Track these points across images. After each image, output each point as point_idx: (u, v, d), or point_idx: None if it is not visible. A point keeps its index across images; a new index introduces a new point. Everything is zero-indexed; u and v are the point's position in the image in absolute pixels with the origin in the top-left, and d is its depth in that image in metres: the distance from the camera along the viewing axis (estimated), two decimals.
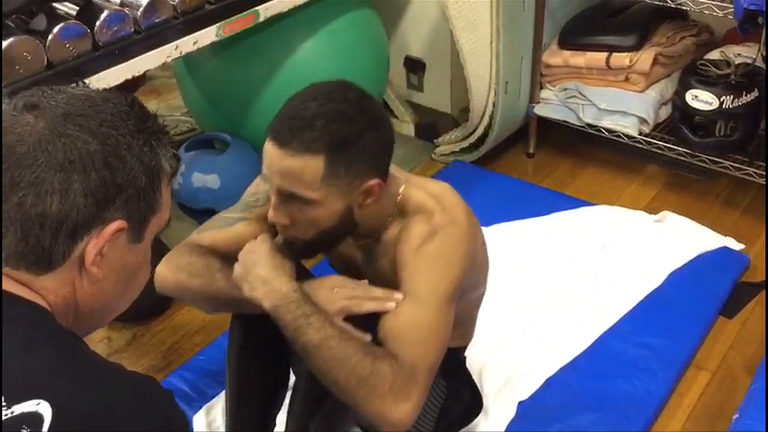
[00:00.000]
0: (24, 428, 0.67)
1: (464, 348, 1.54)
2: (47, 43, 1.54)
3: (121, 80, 1.65)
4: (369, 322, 1.21)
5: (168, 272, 1.31)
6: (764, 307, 1.99)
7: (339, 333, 1.16)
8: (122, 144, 0.78)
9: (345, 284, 1.25)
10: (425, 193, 1.29)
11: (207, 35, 1.84)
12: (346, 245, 1.34)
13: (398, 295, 1.21)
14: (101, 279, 0.80)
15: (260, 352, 1.41)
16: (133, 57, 1.67)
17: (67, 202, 0.75)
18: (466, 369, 1.56)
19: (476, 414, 1.57)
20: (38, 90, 0.80)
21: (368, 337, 1.20)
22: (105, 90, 0.86)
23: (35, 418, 0.68)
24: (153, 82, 3.20)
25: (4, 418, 0.67)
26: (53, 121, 0.76)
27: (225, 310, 1.40)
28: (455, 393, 1.46)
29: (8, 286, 0.76)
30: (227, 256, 1.29)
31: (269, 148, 1.17)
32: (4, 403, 0.68)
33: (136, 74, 1.70)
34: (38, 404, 0.68)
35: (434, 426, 1.43)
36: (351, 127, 1.17)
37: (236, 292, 1.23)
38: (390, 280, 1.26)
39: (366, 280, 1.29)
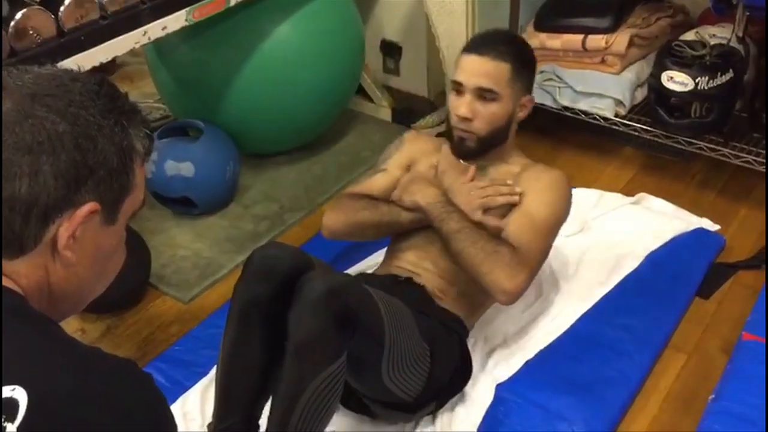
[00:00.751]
0: None
1: (460, 322, 1.65)
2: (9, 30, 1.50)
3: (88, 67, 1.61)
4: None
5: (337, 215, 1.72)
6: (740, 287, 2.00)
7: (472, 225, 1.57)
8: (92, 124, 0.77)
9: (478, 185, 1.66)
10: (541, 166, 1.76)
11: (176, 20, 1.81)
12: (458, 169, 1.71)
13: (519, 189, 1.64)
14: (75, 263, 0.79)
15: (253, 347, 1.43)
16: (99, 43, 1.64)
17: (37, 185, 0.74)
18: (459, 340, 1.62)
19: (465, 382, 1.64)
20: (4, 70, 0.78)
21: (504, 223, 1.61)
22: (73, 70, 0.83)
23: (10, 404, 0.67)
24: (125, 69, 3.15)
25: None
26: (20, 101, 0.75)
27: (385, 233, 1.75)
28: (444, 360, 1.55)
29: None
30: (378, 197, 1.71)
31: (470, 58, 1.62)
32: None
33: (104, 61, 1.66)
34: (13, 390, 0.67)
35: (421, 390, 1.50)
36: (527, 50, 1.71)
37: (398, 213, 1.65)
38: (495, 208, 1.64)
39: (495, 179, 1.69)
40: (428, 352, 1.50)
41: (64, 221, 0.76)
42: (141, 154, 0.83)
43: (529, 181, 1.66)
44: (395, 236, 1.76)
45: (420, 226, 1.67)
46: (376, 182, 1.77)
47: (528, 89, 1.68)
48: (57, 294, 0.80)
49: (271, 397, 1.40)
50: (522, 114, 1.69)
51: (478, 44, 1.64)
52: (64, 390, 0.70)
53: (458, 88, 1.63)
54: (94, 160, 0.77)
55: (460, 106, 1.62)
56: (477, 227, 1.57)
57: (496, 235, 1.57)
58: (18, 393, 0.67)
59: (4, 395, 0.67)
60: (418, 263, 1.68)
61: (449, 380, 1.59)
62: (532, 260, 1.56)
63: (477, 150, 1.67)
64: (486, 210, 1.62)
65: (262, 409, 1.47)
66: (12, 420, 0.66)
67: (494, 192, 1.64)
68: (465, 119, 1.62)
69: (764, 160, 2.18)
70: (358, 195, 1.74)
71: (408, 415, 1.59)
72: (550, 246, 1.64)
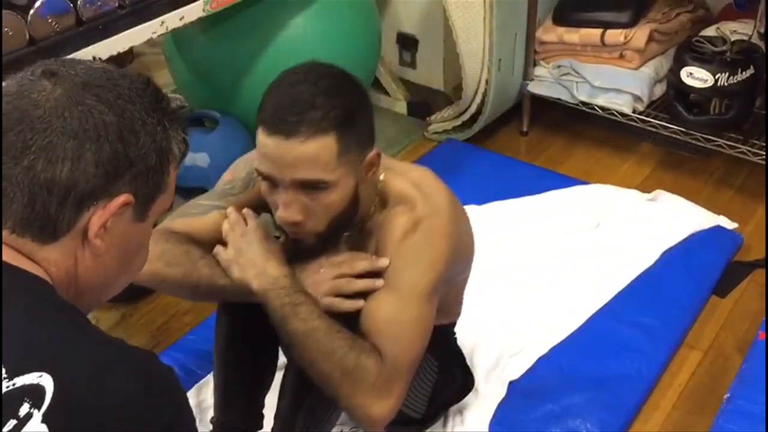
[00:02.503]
0: (26, 401, 0.67)
1: (453, 324, 1.52)
2: (29, 19, 1.51)
3: (105, 57, 1.62)
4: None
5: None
6: (757, 286, 1.98)
7: (326, 325, 1.15)
8: (137, 119, 0.79)
9: (331, 262, 1.23)
10: (406, 181, 1.26)
11: (194, 10, 1.80)
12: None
13: (382, 261, 1.21)
14: (103, 253, 0.80)
15: (247, 338, 1.40)
16: (117, 33, 1.63)
17: (77, 170, 0.75)
18: (458, 347, 1.55)
19: (467, 391, 1.57)
20: (57, 60, 0.81)
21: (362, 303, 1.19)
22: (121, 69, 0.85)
23: (37, 391, 0.67)
24: (142, 59, 3.16)
25: (5, 390, 0.67)
26: (71, 89, 0.77)
27: (203, 299, 1.38)
28: (447, 372, 1.46)
29: (11, 257, 0.75)
30: (201, 244, 1.26)
31: (273, 143, 1.11)
32: (5, 375, 0.67)
33: (121, 50, 1.66)
34: (40, 377, 0.68)
35: (427, 406, 1.44)
36: (350, 99, 1.16)
37: (220, 281, 1.22)
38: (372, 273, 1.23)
39: (348, 253, 1.26)
40: (435, 366, 1.44)
41: (98, 210, 0.77)
42: (177, 157, 0.84)
43: (389, 245, 1.22)
44: None
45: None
46: (205, 224, 1.30)
47: (369, 142, 1.19)
48: (83, 285, 0.81)
49: (277, 391, 1.39)
50: (373, 172, 1.21)
51: (277, 120, 1.12)
52: (90, 379, 0.70)
53: (271, 181, 1.16)
54: (135, 154, 0.78)
55: (282, 208, 1.15)
56: (331, 325, 1.16)
57: (355, 331, 1.18)
58: (45, 380, 0.68)
59: (30, 382, 0.67)
60: None
61: (455, 390, 1.55)
62: (404, 367, 1.18)
63: (319, 245, 1.23)
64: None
65: (264, 397, 1.45)
66: (38, 407, 0.67)
67: (349, 269, 1.21)
68: (293, 223, 1.17)
69: None
70: (173, 236, 1.26)
71: (417, 426, 1.55)
72: (427, 334, 1.22)
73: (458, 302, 1.48)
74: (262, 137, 1.14)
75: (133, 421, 0.70)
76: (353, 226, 1.26)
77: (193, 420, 0.78)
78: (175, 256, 1.24)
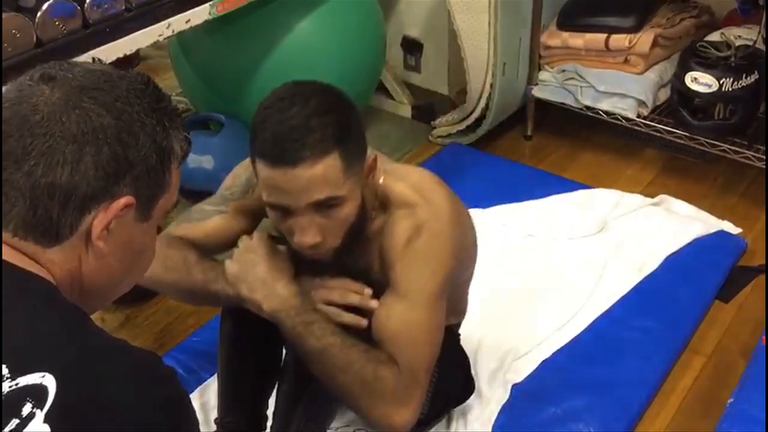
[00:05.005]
0: (28, 400, 0.67)
1: (457, 326, 1.53)
2: (36, 21, 1.52)
3: (112, 59, 1.62)
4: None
5: None
6: (761, 291, 1.98)
7: (340, 341, 1.18)
8: (136, 121, 0.79)
9: (324, 284, 1.25)
10: (406, 185, 1.26)
11: (200, 14, 1.81)
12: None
13: (368, 290, 1.23)
14: (107, 254, 0.80)
15: (251, 341, 1.41)
16: (124, 35, 1.64)
17: (78, 174, 0.75)
18: (461, 348, 1.55)
19: (470, 393, 1.57)
20: (55, 63, 0.81)
21: (364, 323, 1.21)
22: (122, 70, 0.86)
23: (39, 391, 0.67)
24: (147, 62, 3.17)
25: (8, 389, 0.67)
26: (69, 92, 0.77)
27: (202, 304, 1.41)
28: (447, 374, 1.46)
29: (15, 258, 0.76)
30: (204, 249, 1.29)
31: (280, 174, 1.11)
32: (8, 375, 0.67)
33: (128, 53, 1.67)
34: (43, 377, 0.68)
35: (429, 406, 1.43)
36: (341, 112, 1.16)
37: (212, 286, 1.24)
38: (372, 279, 1.25)
39: (342, 280, 1.27)
40: (436, 366, 1.39)
41: (100, 212, 0.78)
42: (179, 156, 0.85)
43: (392, 252, 1.23)
44: None
45: None
46: (206, 228, 1.33)
47: (365, 147, 1.20)
48: (87, 286, 0.82)
49: (276, 389, 1.40)
50: (371, 178, 1.23)
51: (278, 151, 1.11)
52: (92, 380, 0.70)
53: (283, 210, 1.17)
54: (135, 156, 0.78)
55: (299, 233, 1.16)
56: (345, 340, 1.18)
57: (369, 343, 1.20)
58: (48, 380, 0.68)
59: (33, 382, 0.68)
60: None
61: (456, 393, 1.55)
62: (421, 373, 1.21)
63: (337, 259, 1.24)
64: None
65: (267, 399, 1.45)
66: (41, 407, 0.67)
67: (340, 299, 1.24)
68: (314, 246, 1.18)
69: None
70: (174, 241, 1.30)
71: (420, 427, 1.56)
72: (440, 336, 1.25)
73: (463, 300, 1.48)
74: (265, 171, 1.13)
75: (135, 422, 0.70)
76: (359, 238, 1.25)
77: (197, 421, 0.78)
78: (174, 261, 1.26)
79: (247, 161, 1.30)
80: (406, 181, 1.27)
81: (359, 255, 1.27)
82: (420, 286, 1.20)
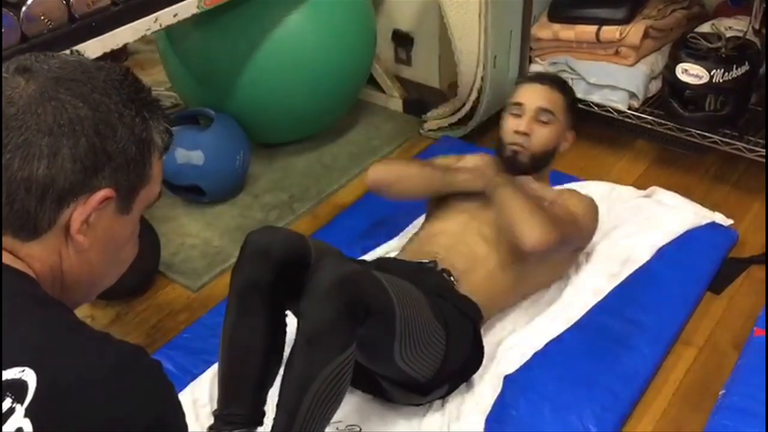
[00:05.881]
0: (8, 395, 0.66)
1: (476, 307, 1.66)
2: (20, 15, 1.50)
3: (98, 54, 1.61)
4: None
5: (388, 166, 1.92)
6: (752, 282, 1.98)
7: (524, 197, 1.71)
8: (113, 112, 0.77)
9: (529, 183, 1.84)
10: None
11: (188, 7, 1.80)
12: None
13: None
14: (87, 248, 0.79)
15: (254, 333, 1.44)
16: (110, 30, 1.63)
17: (55, 167, 0.74)
18: (475, 326, 1.64)
19: (477, 367, 1.65)
20: (31, 55, 0.80)
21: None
22: (100, 61, 0.84)
23: (19, 385, 0.67)
24: (136, 57, 3.15)
25: None
26: (45, 84, 0.75)
27: (429, 192, 1.89)
28: (455, 345, 1.54)
29: None
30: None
31: (532, 86, 1.85)
32: None
33: (114, 48, 1.66)
34: (23, 371, 0.67)
35: (434, 373, 1.51)
36: (574, 94, 1.95)
37: (451, 177, 1.83)
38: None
39: (540, 184, 1.87)
40: (444, 334, 1.51)
41: (79, 205, 0.77)
42: (159, 147, 0.84)
43: (567, 198, 1.86)
44: (428, 220, 1.89)
45: (461, 208, 1.83)
46: (436, 159, 1.97)
47: (573, 126, 1.88)
48: (69, 281, 0.81)
49: (279, 383, 1.40)
50: (564, 147, 1.88)
51: (538, 77, 1.92)
52: (73, 374, 0.70)
53: (517, 110, 1.82)
54: (113, 148, 0.77)
55: (519, 124, 1.81)
56: (527, 197, 1.72)
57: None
58: (27, 375, 0.67)
59: (12, 377, 0.67)
60: (451, 247, 1.74)
61: (462, 364, 1.60)
62: (559, 235, 1.69)
63: (528, 166, 1.82)
64: None
65: (266, 393, 1.47)
66: (21, 401, 0.66)
67: (541, 192, 1.84)
68: (524, 134, 1.79)
69: None
70: (414, 161, 2.00)
71: (420, 396, 1.59)
72: (568, 238, 1.77)
73: (564, 264, 1.95)
74: (525, 84, 1.88)
75: (118, 415, 0.70)
76: (539, 183, 1.86)
77: (183, 413, 0.77)
78: (417, 164, 1.91)
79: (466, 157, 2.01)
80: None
81: (537, 188, 1.83)
82: (573, 208, 1.82)
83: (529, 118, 1.80)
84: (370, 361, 1.48)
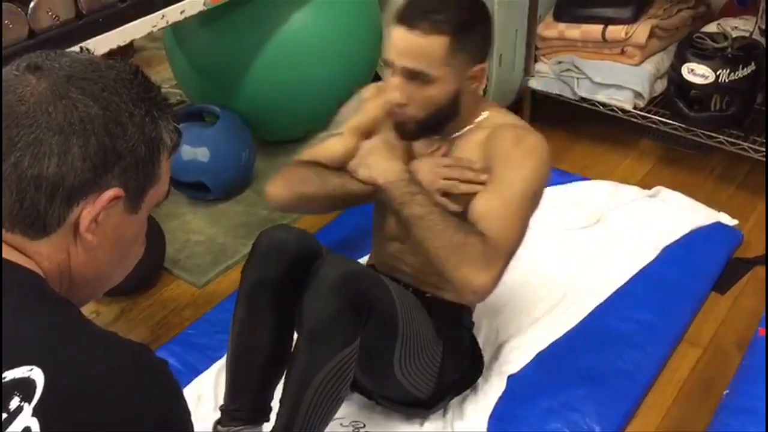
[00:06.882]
0: (16, 394, 0.66)
1: (468, 311, 1.59)
2: (29, 11, 1.50)
3: (105, 50, 1.62)
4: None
5: (282, 188, 1.55)
6: (757, 282, 1.98)
7: (439, 210, 1.36)
8: (123, 111, 0.78)
9: (442, 162, 1.44)
10: (514, 119, 1.48)
11: (194, 4, 1.80)
12: (420, 148, 1.50)
13: (483, 176, 1.39)
14: (96, 247, 0.79)
15: (263, 329, 1.44)
16: (118, 26, 1.64)
17: (65, 165, 0.74)
18: (470, 332, 1.60)
19: (477, 375, 1.62)
20: (42, 53, 0.80)
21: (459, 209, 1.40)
22: (110, 60, 0.84)
23: (27, 385, 0.67)
24: (142, 53, 3.16)
25: None
26: (55, 83, 0.76)
27: (337, 207, 1.64)
28: (452, 354, 1.51)
29: (3, 250, 0.75)
30: (329, 166, 1.51)
31: (398, 32, 1.34)
32: None
33: (122, 44, 1.66)
34: (31, 370, 0.67)
35: (433, 388, 1.49)
36: (473, 13, 1.38)
37: (350, 186, 1.46)
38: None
39: (457, 157, 1.45)
40: (440, 346, 1.49)
41: (88, 204, 0.77)
42: (168, 147, 0.84)
43: (498, 151, 1.40)
44: (378, 226, 1.60)
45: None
46: (327, 149, 1.55)
47: (478, 58, 1.38)
48: (77, 279, 0.81)
49: (283, 379, 1.41)
50: (476, 85, 1.42)
51: (407, 14, 1.34)
52: (81, 373, 0.70)
53: (388, 66, 1.40)
54: (123, 147, 0.77)
55: (390, 89, 1.40)
56: (443, 211, 1.37)
57: (463, 220, 1.37)
58: (35, 373, 0.67)
59: (20, 376, 0.67)
60: (409, 256, 1.54)
61: (462, 375, 1.59)
62: (505, 251, 1.35)
63: (418, 132, 1.45)
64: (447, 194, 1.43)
65: (273, 390, 1.47)
66: (29, 400, 0.66)
67: (459, 175, 1.42)
68: (398, 104, 1.39)
69: None
70: (306, 163, 1.55)
71: (424, 411, 1.58)
72: (525, 229, 1.41)
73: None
74: (393, 27, 1.36)
75: (125, 414, 0.70)
76: (455, 131, 1.46)
77: (188, 412, 0.77)
78: (309, 176, 1.51)
79: (363, 92, 1.58)
80: (510, 118, 1.49)
81: (461, 150, 1.45)
82: (517, 181, 1.37)
83: (401, 82, 1.36)
84: (369, 373, 1.47)
